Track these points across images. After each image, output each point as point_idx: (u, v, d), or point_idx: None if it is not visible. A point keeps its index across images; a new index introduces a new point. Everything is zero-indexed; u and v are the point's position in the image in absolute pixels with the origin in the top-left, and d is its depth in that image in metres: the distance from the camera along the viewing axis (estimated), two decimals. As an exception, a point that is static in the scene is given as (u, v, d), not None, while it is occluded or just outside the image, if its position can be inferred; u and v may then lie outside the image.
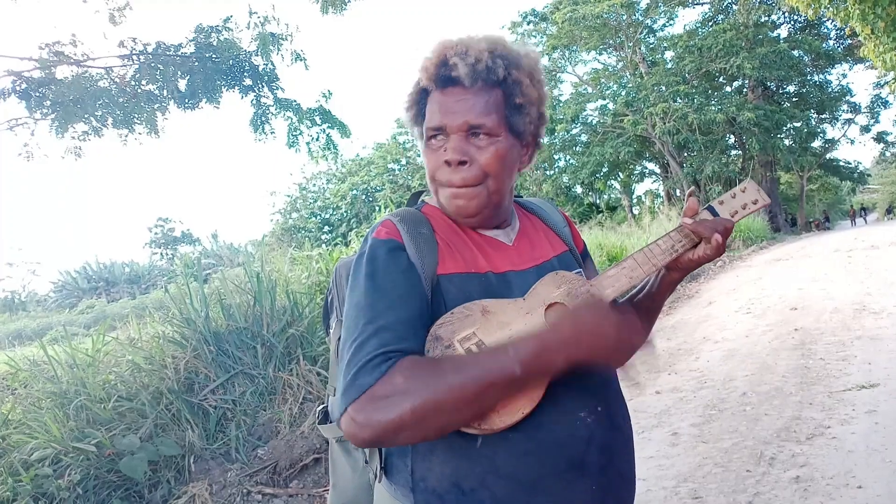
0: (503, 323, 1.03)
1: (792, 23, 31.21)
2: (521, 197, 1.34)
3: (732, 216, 1.23)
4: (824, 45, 29.61)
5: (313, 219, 36.23)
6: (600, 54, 33.98)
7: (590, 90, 32.84)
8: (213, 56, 7.86)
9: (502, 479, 1.01)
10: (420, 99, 1.15)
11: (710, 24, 30.86)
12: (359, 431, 0.92)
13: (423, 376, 0.92)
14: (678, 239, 1.19)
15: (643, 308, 1.29)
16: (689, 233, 1.19)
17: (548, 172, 32.15)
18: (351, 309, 1.03)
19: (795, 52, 28.77)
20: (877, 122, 32.16)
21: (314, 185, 38.23)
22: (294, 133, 8.80)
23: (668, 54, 31.30)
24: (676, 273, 1.25)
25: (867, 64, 20.10)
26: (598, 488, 1.05)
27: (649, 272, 1.16)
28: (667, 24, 32.73)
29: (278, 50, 8.17)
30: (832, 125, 32.86)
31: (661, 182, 35.00)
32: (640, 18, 30.77)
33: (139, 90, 7.76)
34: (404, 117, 1.20)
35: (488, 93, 1.09)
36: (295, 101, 8.60)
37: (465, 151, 1.08)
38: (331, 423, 1.32)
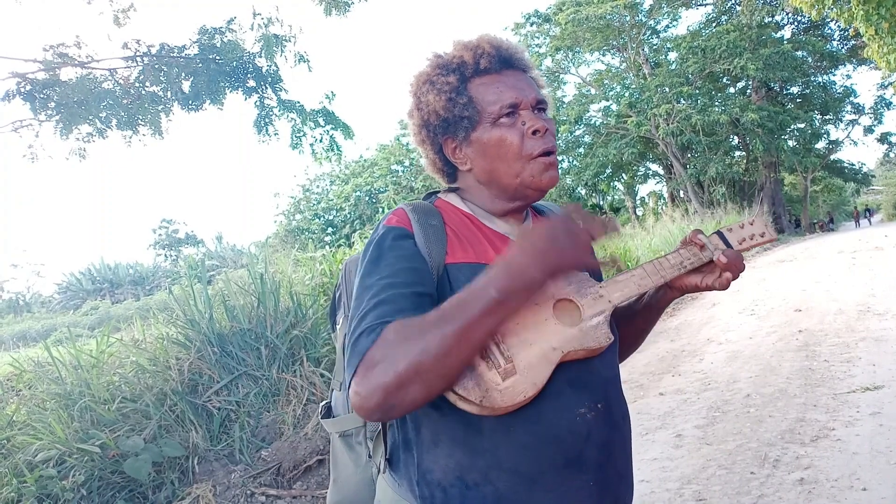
0: None
1: (796, 24, 31.17)
2: None
3: (740, 243, 1.25)
4: (828, 46, 29.57)
5: (317, 220, 36.21)
6: (603, 55, 33.99)
7: (593, 91, 32.81)
8: (217, 58, 7.88)
9: (504, 472, 1.02)
10: (463, 89, 1.16)
11: (714, 24, 30.83)
12: (366, 402, 0.91)
13: (412, 329, 0.93)
14: (687, 256, 1.21)
15: (638, 320, 1.32)
16: (697, 251, 1.21)
17: (551, 173, 32.07)
18: (357, 289, 1.06)
19: (799, 53, 28.72)
20: (880, 123, 32.09)
21: (317, 186, 38.21)
22: (297, 134, 8.82)
23: (672, 55, 31.26)
24: (675, 292, 1.27)
25: (871, 65, 20.06)
26: (595, 485, 1.06)
27: (657, 283, 1.18)
28: (670, 26, 32.71)
29: (282, 51, 8.19)
30: (836, 126, 32.80)
31: (664, 183, 34.94)
32: (644, 19, 30.74)
33: (143, 92, 7.79)
34: (444, 111, 1.16)
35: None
36: (298, 102, 8.62)
37: (544, 120, 1.15)
38: (334, 417, 1.33)
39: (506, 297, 0.94)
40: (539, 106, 1.17)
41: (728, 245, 1.26)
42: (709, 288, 1.23)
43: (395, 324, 0.95)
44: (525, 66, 1.19)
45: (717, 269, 1.21)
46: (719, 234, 1.25)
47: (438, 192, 1.26)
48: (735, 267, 1.20)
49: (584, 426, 1.05)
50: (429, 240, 1.09)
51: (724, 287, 1.21)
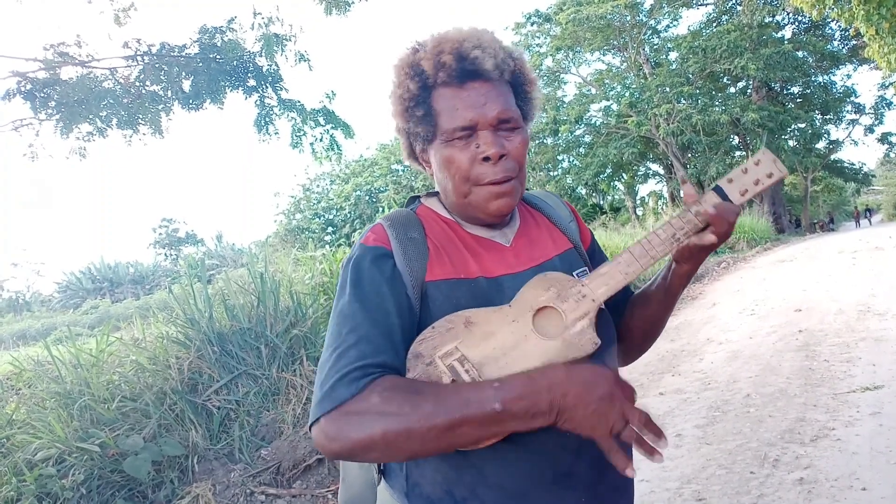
0: (487, 333, 0.99)
1: (796, 23, 31.15)
2: (528, 190, 1.29)
3: (743, 194, 1.09)
4: (829, 45, 29.55)
5: (317, 220, 36.22)
6: (604, 55, 33.99)
7: (594, 91, 32.81)
8: (218, 57, 7.88)
9: (492, 489, 1.00)
10: (424, 98, 1.09)
11: (715, 24, 30.80)
12: (328, 444, 0.91)
13: (401, 400, 0.90)
14: (680, 226, 1.08)
15: (653, 307, 1.22)
16: (691, 217, 1.07)
17: (552, 173, 32.14)
18: (334, 315, 1.02)
19: (800, 53, 28.69)
20: (881, 123, 32.10)
21: (318, 185, 38.23)
22: (298, 134, 8.83)
23: (672, 55, 31.24)
24: (687, 264, 1.13)
25: (872, 65, 20.05)
26: (586, 501, 1.03)
27: (647, 265, 1.07)
28: (671, 25, 32.67)
29: (282, 51, 8.20)
30: (836, 126, 32.77)
31: (664, 183, 34.94)
32: (644, 19, 30.72)
33: (143, 91, 7.80)
34: (402, 119, 1.12)
35: (505, 85, 1.10)
36: (299, 101, 8.64)
37: (502, 144, 1.06)
38: None
39: (506, 417, 0.89)
40: (502, 125, 1.07)
41: (727, 200, 1.10)
42: (710, 242, 1.07)
43: (383, 384, 0.92)
44: (493, 75, 1.08)
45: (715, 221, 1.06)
46: (717, 189, 1.10)
47: (420, 197, 1.21)
48: (724, 222, 1.05)
49: (573, 442, 1.00)
50: (408, 257, 1.04)
51: (725, 236, 1.06)
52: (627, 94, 29.64)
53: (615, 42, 31.60)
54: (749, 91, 31.26)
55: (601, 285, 1.05)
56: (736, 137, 30.67)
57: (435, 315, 1.01)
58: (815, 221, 39.10)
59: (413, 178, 32.82)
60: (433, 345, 0.98)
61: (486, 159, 1.05)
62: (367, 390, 0.91)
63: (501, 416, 0.89)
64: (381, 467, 1.15)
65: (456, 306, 1.02)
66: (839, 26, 26.21)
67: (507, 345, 0.98)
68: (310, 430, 0.95)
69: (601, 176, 31.60)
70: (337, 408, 0.91)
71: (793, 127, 29.63)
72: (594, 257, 1.26)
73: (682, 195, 1.15)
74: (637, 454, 0.97)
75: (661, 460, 0.93)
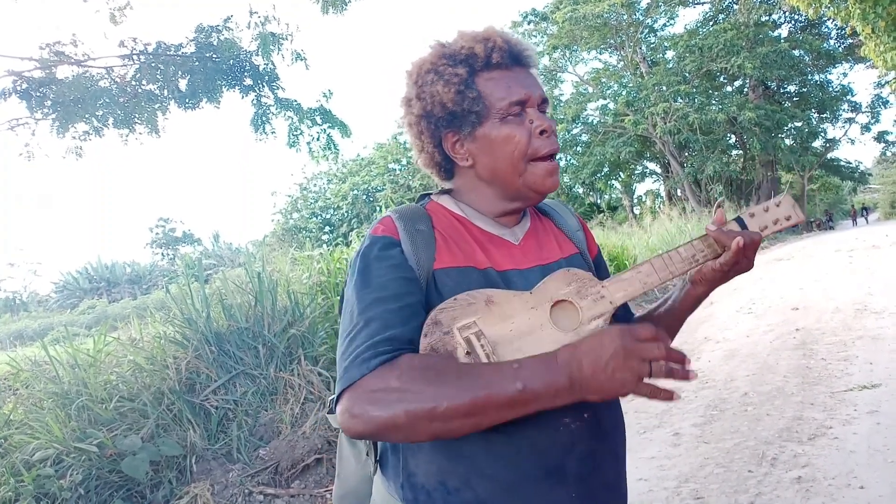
0: (506, 315, 1.01)
1: (793, 22, 31.21)
2: None
3: (762, 230, 1.15)
4: (825, 44, 29.59)
5: (314, 219, 36.18)
6: (601, 54, 34.00)
7: (590, 90, 32.83)
8: (214, 56, 7.87)
9: (484, 480, 1.01)
10: (471, 82, 1.11)
11: (711, 23, 30.85)
12: (352, 423, 0.92)
13: (422, 381, 0.91)
14: (700, 248, 1.13)
15: (662, 324, 1.24)
16: (712, 242, 1.13)
17: (549, 172, 32.10)
18: (345, 304, 1.05)
19: (796, 52, 28.75)
20: (877, 121, 32.13)
21: (315, 185, 38.19)
22: (295, 133, 8.81)
23: (669, 54, 31.27)
24: (701, 287, 1.18)
25: (868, 63, 20.10)
26: (577, 497, 1.03)
27: (665, 279, 1.11)
28: (667, 24, 32.77)
29: (279, 50, 8.18)
30: (833, 125, 32.83)
31: (661, 182, 35.00)
32: (641, 18, 30.76)
33: (140, 90, 7.78)
34: (450, 101, 1.10)
35: None
36: (295, 100, 8.61)
37: (550, 120, 1.13)
38: None
39: (529, 397, 0.90)
40: (543, 105, 1.14)
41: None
42: (727, 268, 1.13)
43: (402, 363, 0.93)
44: (532, 62, 1.16)
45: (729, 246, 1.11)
46: (738, 220, 1.16)
47: (431, 193, 1.23)
48: (751, 242, 1.10)
49: (566, 437, 1.03)
50: (416, 246, 1.06)
51: (737, 258, 1.11)
52: (624, 93, 29.66)
53: (612, 41, 31.61)
54: (746, 90, 31.31)
55: (619, 290, 1.08)
56: (733, 136, 30.71)
57: (445, 298, 1.03)
58: (812, 220, 39.16)
59: (410, 178, 32.77)
60: (453, 315, 1.00)
61: (543, 132, 1.11)
62: (384, 369, 0.93)
63: (524, 396, 0.90)
64: (378, 458, 1.16)
65: (466, 291, 1.04)
66: (835, 25, 26.26)
67: (523, 329, 1.01)
68: (334, 410, 0.96)
69: (598, 175, 31.62)
70: (355, 387, 0.92)
71: (789, 126, 29.66)
72: (598, 269, 1.28)
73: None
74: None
75: (695, 377, 0.93)
